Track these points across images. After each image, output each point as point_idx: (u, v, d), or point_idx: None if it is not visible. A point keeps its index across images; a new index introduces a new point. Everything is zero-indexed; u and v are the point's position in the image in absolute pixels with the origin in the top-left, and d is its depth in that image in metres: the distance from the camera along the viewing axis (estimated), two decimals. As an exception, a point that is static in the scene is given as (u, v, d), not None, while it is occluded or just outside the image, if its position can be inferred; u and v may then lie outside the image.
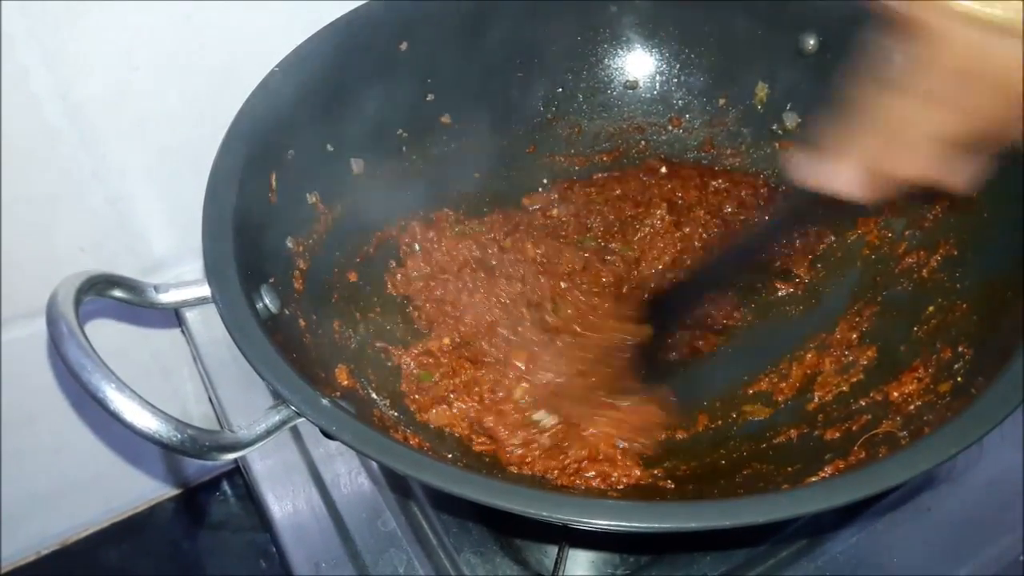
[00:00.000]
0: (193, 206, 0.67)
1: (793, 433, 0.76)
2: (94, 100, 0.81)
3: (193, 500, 1.24)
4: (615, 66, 0.95)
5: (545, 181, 0.96)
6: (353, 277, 0.82)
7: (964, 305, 0.71)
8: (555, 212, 0.94)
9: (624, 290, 0.89)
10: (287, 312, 0.70)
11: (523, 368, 0.82)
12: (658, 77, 0.95)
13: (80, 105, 0.80)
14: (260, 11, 0.83)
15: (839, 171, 0.58)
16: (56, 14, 0.74)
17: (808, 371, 0.81)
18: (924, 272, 0.77)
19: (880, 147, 0.55)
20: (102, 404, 0.53)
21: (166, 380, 1.09)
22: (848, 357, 0.79)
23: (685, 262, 0.91)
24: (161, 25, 0.79)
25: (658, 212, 0.92)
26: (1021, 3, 0.47)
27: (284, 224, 0.75)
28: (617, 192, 0.95)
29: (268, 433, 0.58)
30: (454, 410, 0.79)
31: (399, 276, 0.87)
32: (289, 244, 0.75)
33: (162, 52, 0.81)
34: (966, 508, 0.81)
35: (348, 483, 0.83)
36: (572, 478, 0.74)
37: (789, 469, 0.72)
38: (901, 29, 0.52)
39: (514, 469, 0.75)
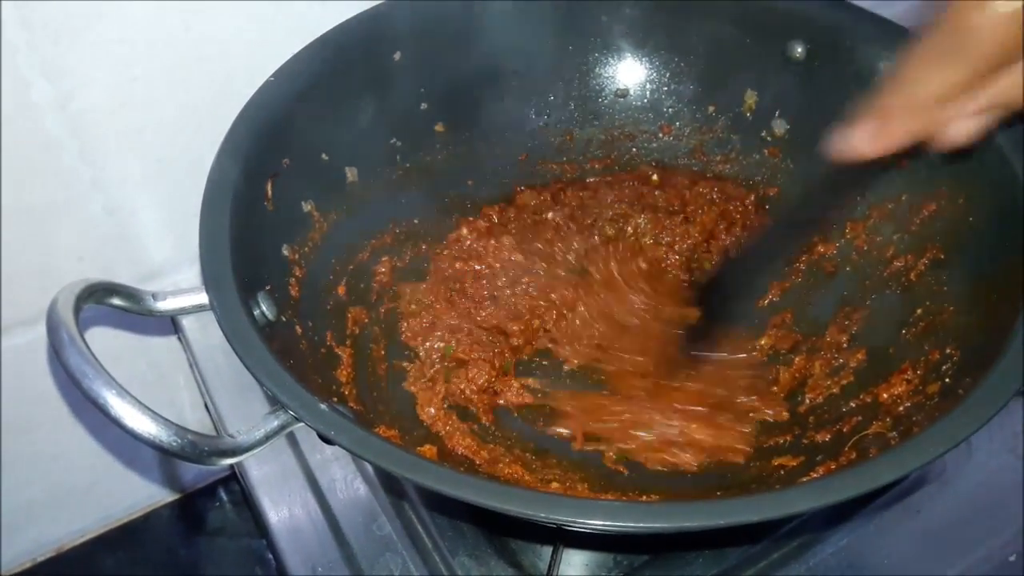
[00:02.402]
0: (191, 215, 0.68)
1: (784, 435, 0.77)
2: (94, 110, 0.81)
3: (190, 506, 1.24)
4: (606, 74, 0.96)
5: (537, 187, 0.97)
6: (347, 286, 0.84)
7: (951, 308, 0.72)
8: (550, 215, 0.95)
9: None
10: (284, 319, 0.71)
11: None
12: (648, 85, 0.96)
13: (80, 115, 0.81)
14: (257, 22, 0.83)
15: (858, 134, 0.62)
16: (57, 26, 0.74)
17: (798, 374, 0.82)
18: (912, 276, 0.78)
19: (899, 109, 0.59)
20: (103, 410, 0.54)
21: (162, 387, 1.10)
22: (838, 360, 0.80)
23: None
24: (160, 37, 0.80)
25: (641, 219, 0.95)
26: None
27: (280, 232, 0.76)
28: (610, 198, 0.96)
29: (267, 438, 0.59)
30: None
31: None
32: (285, 252, 0.76)
33: (161, 63, 0.81)
34: (956, 510, 0.81)
35: (344, 488, 0.84)
36: None
37: (781, 471, 0.73)
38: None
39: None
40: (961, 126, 0.58)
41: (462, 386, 0.82)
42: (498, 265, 0.90)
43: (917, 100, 0.58)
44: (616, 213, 0.95)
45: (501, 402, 0.83)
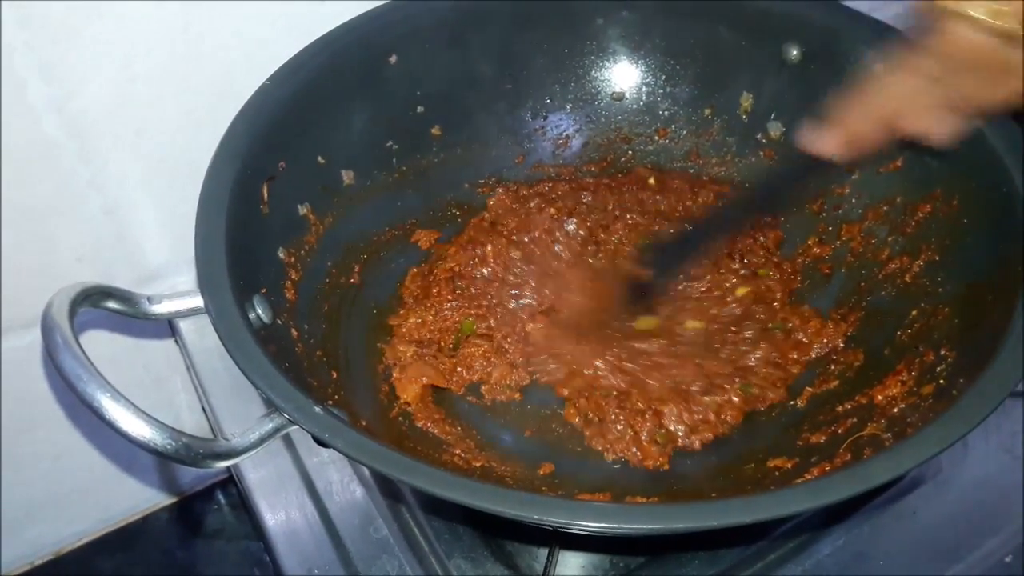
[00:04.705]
0: (189, 217, 0.67)
1: (779, 437, 0.77)
2: (92, 111, 0.81)
3: (187, 509, 1.24)
4: (601, 77, 0.96)
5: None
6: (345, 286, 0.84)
7: (946, 309, 0.72)
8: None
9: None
10: (279, 322, 0.71)
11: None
12: (644, 88, 0.96)
13: (78, 116, 0.80)
14: (257, 23, 0.83)
15: (832, 135, 0.71)
16: (54, 25, 0.74)
17: (793, 376, 0.82)
18: (907, 277, 0.78)
19: (882, 112, 0.67)
20: (97, 413, 0.54)
21: (160, 390, 1.10)
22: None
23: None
24: (159, 36, 0.80)
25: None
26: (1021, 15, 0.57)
27: (276, 235, 0.76)
28: (611, 204, 0.95)
29: (261, 441, 0.59)
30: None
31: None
32: (281, 255, 0.76)
33: (159, 63, 0.81)
34: (952, 510, 0.81)
35: (341, 491, 0.84)
36: None
37: (776, 473, 0.73)
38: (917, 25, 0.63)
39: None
40: (931, 124, 0.65)
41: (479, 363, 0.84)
42: (488, 270, 0.90)
43: (877, 107, 0.66)
44: (616, 214, 0.95)
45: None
